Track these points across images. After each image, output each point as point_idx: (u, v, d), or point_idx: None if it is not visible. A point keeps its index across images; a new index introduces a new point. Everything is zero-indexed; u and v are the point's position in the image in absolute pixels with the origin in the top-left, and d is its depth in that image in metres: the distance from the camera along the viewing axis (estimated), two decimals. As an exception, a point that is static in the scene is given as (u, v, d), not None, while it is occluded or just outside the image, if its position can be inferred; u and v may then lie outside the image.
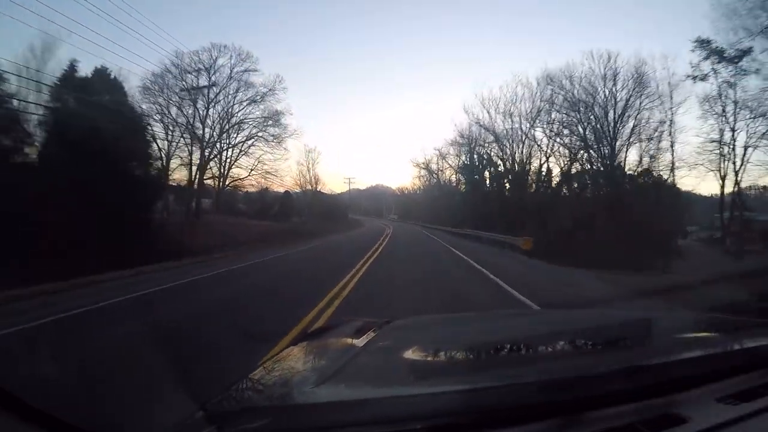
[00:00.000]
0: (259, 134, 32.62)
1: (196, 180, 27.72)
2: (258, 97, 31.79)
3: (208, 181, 30.24)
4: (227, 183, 33.54)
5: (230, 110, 30.69)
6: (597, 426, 0.75)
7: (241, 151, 33.73)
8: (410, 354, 1.20)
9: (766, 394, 0.84)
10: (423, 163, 51.08)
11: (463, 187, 39.81)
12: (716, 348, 1.22)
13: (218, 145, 31.24)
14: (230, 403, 0.89)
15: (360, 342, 1.21)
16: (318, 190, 51.82)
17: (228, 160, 33.39)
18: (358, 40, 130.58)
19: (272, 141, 33.36)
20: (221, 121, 30.35)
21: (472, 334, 1.54)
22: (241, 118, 31.37)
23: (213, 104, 29.69)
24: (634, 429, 0.73)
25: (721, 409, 0.79)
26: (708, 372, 0.93)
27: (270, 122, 32.69)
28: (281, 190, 40.87)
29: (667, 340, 1.36)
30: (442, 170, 48.60)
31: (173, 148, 26.23)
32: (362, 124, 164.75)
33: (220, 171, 32.87)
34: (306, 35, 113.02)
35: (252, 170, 33.51)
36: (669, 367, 0.98)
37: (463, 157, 38.96)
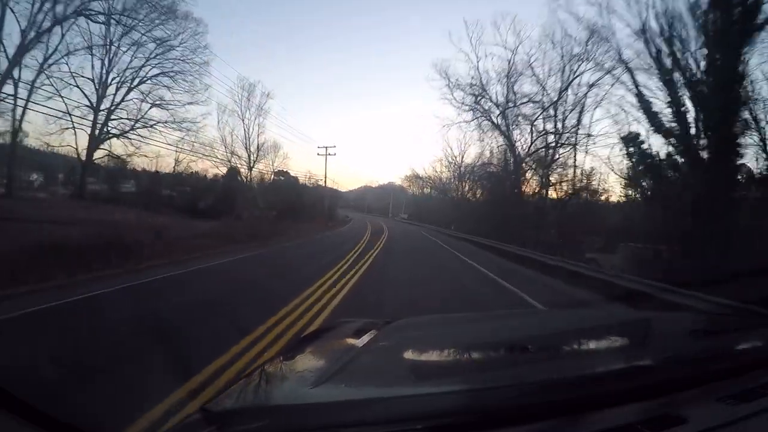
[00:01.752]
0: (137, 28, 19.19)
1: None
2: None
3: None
4: (101, 141, 20.59)
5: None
6: (597, 426, 0.75)
7: (130, 87, 20.69)
8: (410, 354, 1.20)
9: (766, 394, 0.84)
10: (468, 104, 22.36)
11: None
12: (716, 348, 1.22)
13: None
14: (230, 403, 0.88)
15: (360, 342, 1.21)
16: (281, 170, 33.24)
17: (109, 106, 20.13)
18: (371, 36, 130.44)
19: (172, 67, 20.73)
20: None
21: (472, 334, 1.54)
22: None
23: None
24: (634, 429, 0.73)
25: (721, 409, 0.79)
26: (708, 372, 0.93)
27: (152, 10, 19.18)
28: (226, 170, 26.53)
29: (667, 340, 1.36)
30: (518, 118, 20.82)
31: None
32: (374, 122, 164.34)
33: (93, 126, 20.00)
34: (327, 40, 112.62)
35: (138, 120, 20.58)
36: (669, 367, 0.98)
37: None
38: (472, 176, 32.76)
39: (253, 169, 29.04)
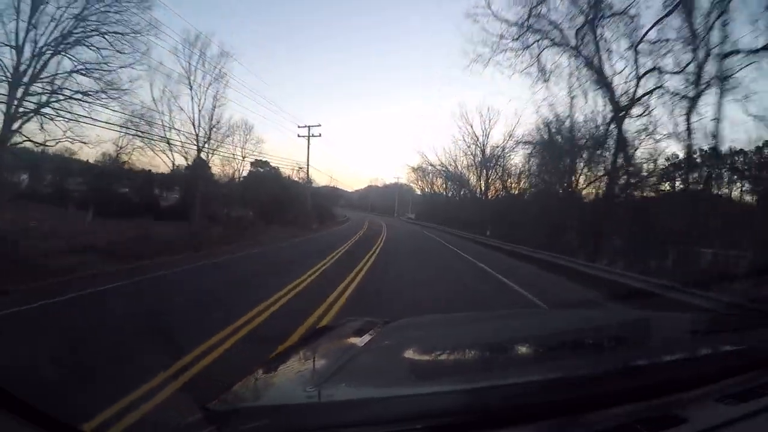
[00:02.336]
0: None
1: None
2: None
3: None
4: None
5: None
6: (597, 426, 0.75)
7: (55, 51, 13.08)
8: (410, 354, 1.20)
9: (765, 394, 0.84)
10: (514, 22, 13.49)
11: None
12: (716, 348, 1.22)
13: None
14: (230, 403, 0.89)
15: (360, 342, 1.21)
16: (259, 160, 26.58)
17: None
18: (371, 36, 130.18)
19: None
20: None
21: (472, 334, 1.54)
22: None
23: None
24: (634, 429, 0.73)
25: (721, 409, 0.79)
26: (708, 372, 0.93)
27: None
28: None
29: (667, 340, 1.36)
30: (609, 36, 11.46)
31: None
32: (376, 121, 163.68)
33: (9, 104, 12.85)
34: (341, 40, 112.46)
35: (55, 92, 13.00)
36: (669, 367, 0.98)
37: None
38: (502, 160, 24.06)
39: (213, 154, 21.27)
